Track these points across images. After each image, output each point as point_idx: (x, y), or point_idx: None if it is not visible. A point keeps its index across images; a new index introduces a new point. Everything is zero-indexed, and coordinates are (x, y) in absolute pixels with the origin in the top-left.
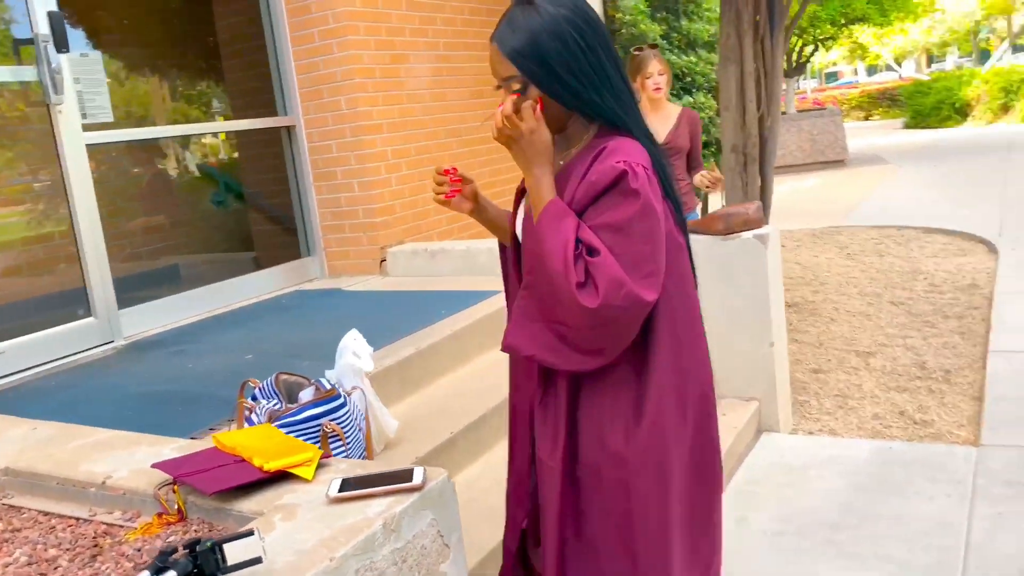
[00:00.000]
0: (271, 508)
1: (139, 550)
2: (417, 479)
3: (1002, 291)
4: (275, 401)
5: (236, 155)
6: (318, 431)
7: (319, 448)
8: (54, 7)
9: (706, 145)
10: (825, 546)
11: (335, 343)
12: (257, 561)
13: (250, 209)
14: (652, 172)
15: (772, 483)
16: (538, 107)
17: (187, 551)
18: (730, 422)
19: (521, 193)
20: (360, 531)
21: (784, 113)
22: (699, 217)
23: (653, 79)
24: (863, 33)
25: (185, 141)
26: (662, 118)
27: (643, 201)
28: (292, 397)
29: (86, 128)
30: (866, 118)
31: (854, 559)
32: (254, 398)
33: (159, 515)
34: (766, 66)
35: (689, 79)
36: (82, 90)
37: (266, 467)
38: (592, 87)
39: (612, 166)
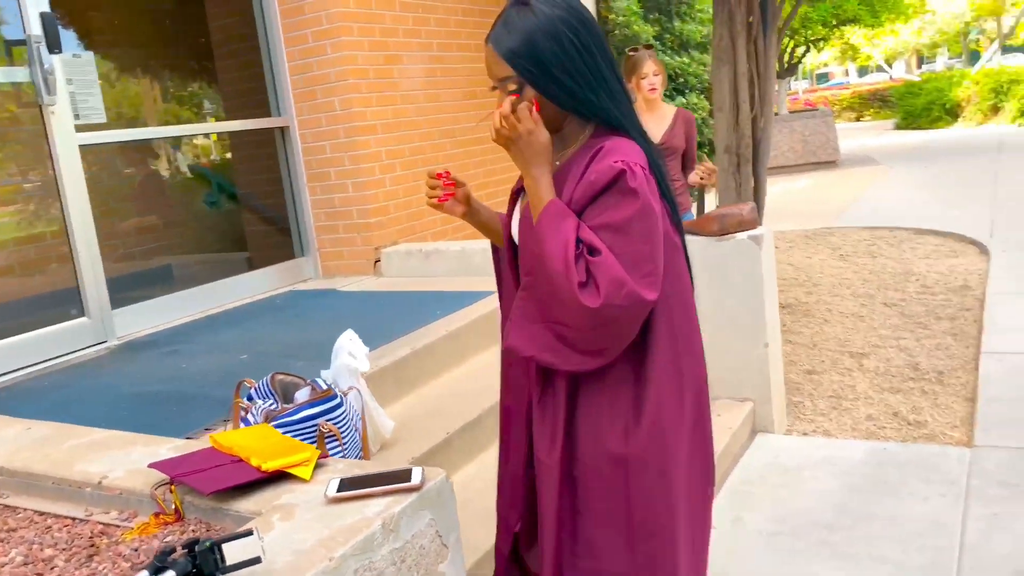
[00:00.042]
0: (269, 508)
1: (136, 550)
2: (415, 479)
3: (994, 292)
4: (271, 401)
5: (230, 156)
6: (314, 431)
7: (316, 448)
8: (46, 8)
9: (700, 146)
10: (820, 547)
11: (330, 343)
12: (256, 561)
13: (244, 209)
14: (649, 172)
15: (767, 484)
16: (534, 108)
17: (186, 551)
18: (725, 423)
19: (516, 194)
20: (359, 531)
21: (776, 114)
22: (694, 218)
23: (648, 80)
24: (854, 34)
25: (178, 142)
26: (657, 118)
27: (642, 201)
28: (288, 397)
29: (79, 129)
30: (857, 119)
31: (849, 560)
32: (250, 398)
33: (156, 515)
34: (759, 67)
35: (682, 80)
36: (75, 91)
37: (264, 467)
38: (588, 87)
39: (610, 165)
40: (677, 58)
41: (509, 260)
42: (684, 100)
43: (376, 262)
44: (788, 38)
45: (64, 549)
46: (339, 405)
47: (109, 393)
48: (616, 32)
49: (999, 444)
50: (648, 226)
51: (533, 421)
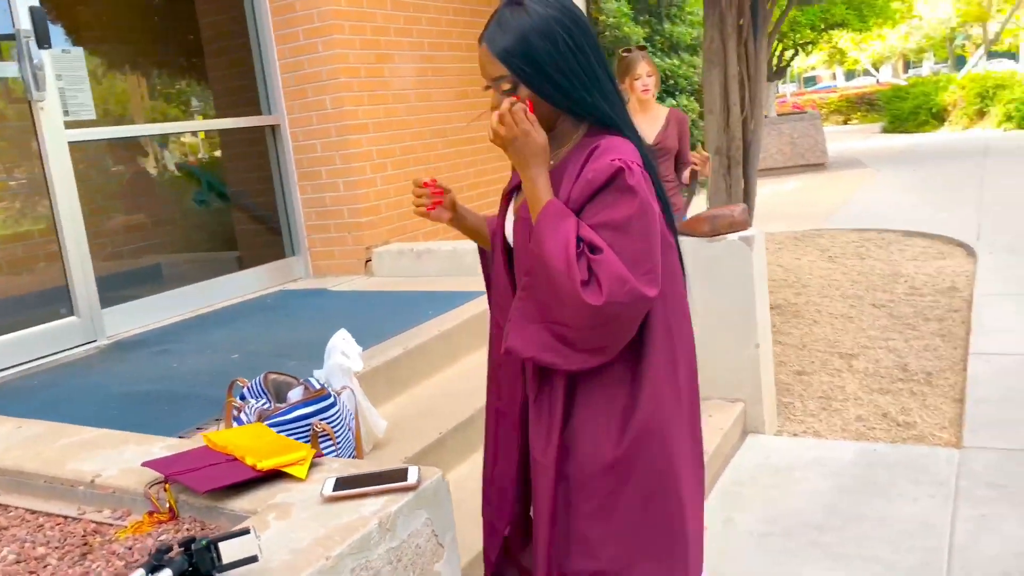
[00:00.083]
0: (265, 507)
1: (130, 548)
2: (412, 478)
3: (981, 294)
4: (264, 400)
5: (220, 154)
6: (308, 431)
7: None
8: (36, 3)
9: (691, 148)
10: (811, 547)
11: (322, 343)
12: (253, 560)
13: (234, 208)
14: (645, 171)
15: (758, 484)
16: (529, 108)
17: (182, 549)
18: (716, 423)
19: (508, 196)
20: (356, 530)
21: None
22: (687, 218)
23: (642, 80)
24: (842, 38)
25: (169, 139)
26: (650, 119)
27: (641, 198)
28: (281, 397)
29: (68, 125)
30: (845, 122)
31: (840, 560)
32: (242, 397)
33: (150, 513)
34: (749, 70)
35: (672, 82)
36: (64, 87)
37: (259, 466)
38: (582, 86)
39: (608, 164)
40: (667, 60)
41: (502, 262)
42: (674, 102)
43: (367, 262)
44: (777, 41)
45: (57, 548)
46: (333, 404)
47: (99, 392)
48: (607, 33)
49: (987, 445)
50: (647, 224)
51: (529, 421)
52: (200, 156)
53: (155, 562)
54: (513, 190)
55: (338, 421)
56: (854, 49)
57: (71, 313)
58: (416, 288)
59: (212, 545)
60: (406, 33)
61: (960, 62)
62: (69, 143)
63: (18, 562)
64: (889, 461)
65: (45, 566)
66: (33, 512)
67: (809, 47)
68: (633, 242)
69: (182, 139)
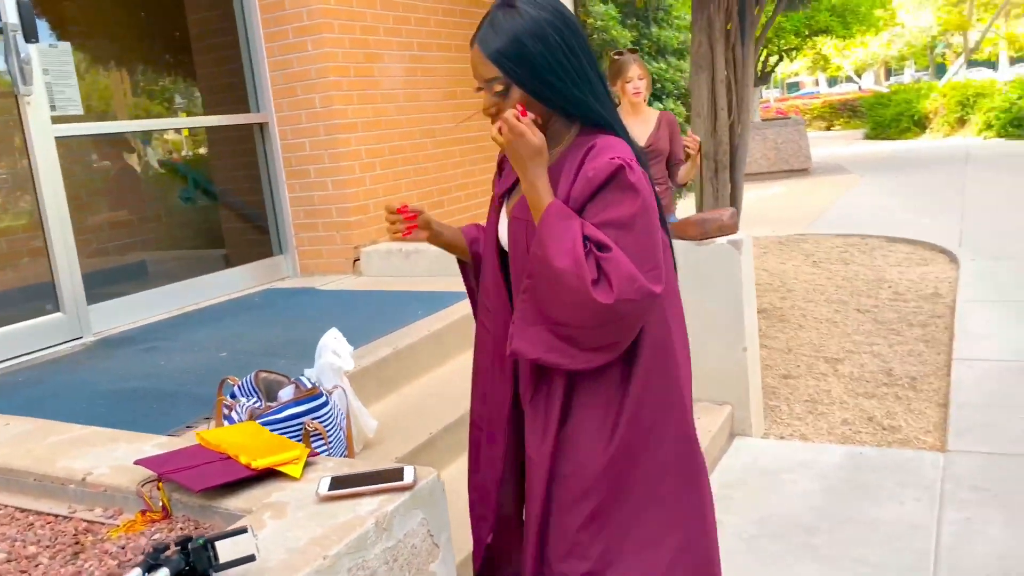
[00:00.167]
0: (260, 506)
1: (123, 548)
2: (408, 478)
3: (964, 300)
4: (255, 399)
5: (208, 151)
6: (300, 430)
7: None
8: None
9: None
10: (801, 549)
11: (311, 342)
12: (250, 559)
13: (221, 206)
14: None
15: (746, 487)
16: (522, 113)
17: (179, 548)
18: (704, 426)
19: (500, 200)
20: (353, 529)
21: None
22: (677, 219)
23: (633, 83)
24: (825, 45)
25: (156, 136)
26: (642, 122)
27: (643, 196)
28: (271, 395)
29: (55, 120)
30: (828, 128)
31: (829, 562)
32: (233, 396)
33: (143, 512)
34: (737, 74)
35: (659, 86)
36: (51, 81)
37: (253, 464)
38: (575, 87)
39: (608, 162)
40: (654, 64)
41: (495, 265)
42: (661, 106)
43: (355, 261)
44: (762, 47)
45: (48, 546)
46: (325, 404)
47: (86, 389)
48: (595, 36)
49: (971, 449)
50: (649, 221)
51: (525, 420)
52: (188, 153)
53: (151, 561)
54: (504, 194)
55: (330, 421)
56: (837, 56)
57: (57, 309)
58: (405, 288)
59: (209, 544)
60: (395, 33)
61: (940, 70)
62: (56, 138)
63: (9, 561)
64: (875, 464)
65: (36, 565)
66: (23, 510)
67: (793, 53)
68: (637, 240)
69: (169, 136)
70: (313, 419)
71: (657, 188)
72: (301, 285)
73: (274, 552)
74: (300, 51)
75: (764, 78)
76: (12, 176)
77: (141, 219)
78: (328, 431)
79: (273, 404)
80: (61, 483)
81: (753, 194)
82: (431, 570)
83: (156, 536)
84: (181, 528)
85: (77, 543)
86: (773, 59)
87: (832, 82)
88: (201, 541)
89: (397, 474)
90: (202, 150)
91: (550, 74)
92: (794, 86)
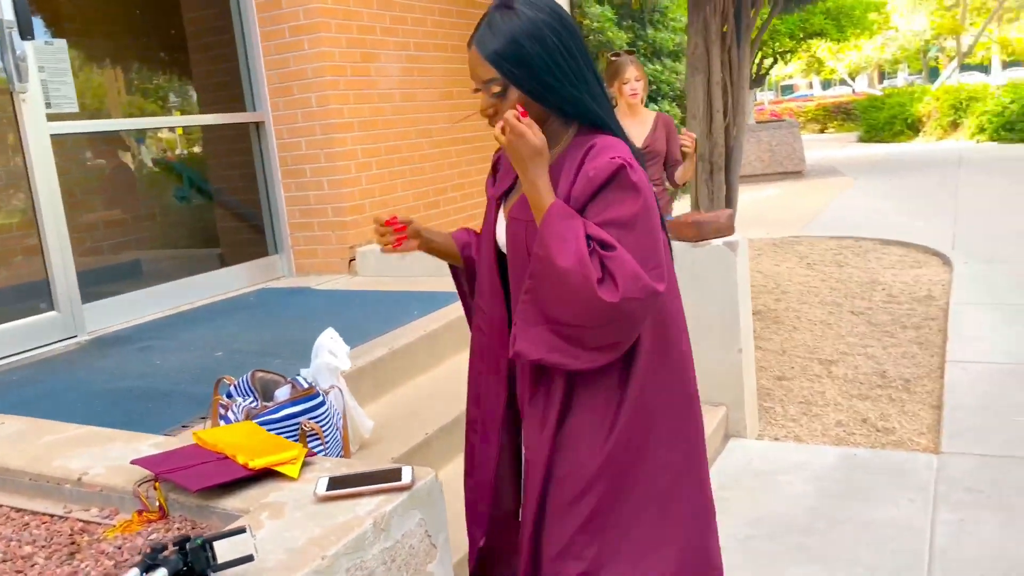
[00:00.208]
0: (257, 506)
1: (119, 548)
2: (406, 478)
3: (957, 303)
4: (251, 399)
5: (203, 150)
6: (296, 430)
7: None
8: None
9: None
10: (796, 550)
11: (306, 342)
12: (249, 559)
13: (216, 205)
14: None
15: (742, 487)
16: (521, 114)
17: (177, 548)
18: None
19: (497, 201)
20: (351, 530)
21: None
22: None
23: (630, 84)
24: (820, 47)
25: (152, 134)
26: (639, 123)
27: (644, 195)
28: (268, 395)
29: (50, 118)
30: (821, 131)
31: (823, 563)
32: (229, 395)
33: (139, 512)
34: (732, 76)
35: (655, 87)
36: (47, 79)
37: (251, 464)
38: (572, 87)
39: (609, 161)
40: (650, 65)
41: (493, 268)
42: (656, 107)
43: (351, 261)
44: (757, 49)
45: (43, 547)
46: (321, 404)
47: (81, 389)
48: (591, 38)
49: (965, 451)
50: (651, 220)
51: (523, 419)
52: (183, 152)
53: (149, 561)
54: (501, 196)
55: (326, 420)
56: (831, 59)
57: (51, 308)
58: (401, 288)
59: (207, 544)
60: (392, 33)
61: (933, 74)
62: (51, 136)
63: (4, 561)
64: (870, 466)
65: (32, 565)
66: (18, 510)
67: (788, 56)
68: (640, 239)
69: (165, 134)
70: (309, 419)
71: (654, 190)
72: (296, 285)
73: (272, 552)
74: (296, 50)
75: (759, 80)
76: (6, 174)
77: (136, 218)
78: (324, 431)
79: (269, 404)
80: (57, 483)
81: (747, 196)
82: (429, 570)
83: (153, 536)
84: (178, 528)
85: (73, 543)
86: (768, 62)
87: (826, 85)
88: (199, 541)
89: (395, 474)
90: (197, 149)
91: (548, 75)
92: (788, 88)
